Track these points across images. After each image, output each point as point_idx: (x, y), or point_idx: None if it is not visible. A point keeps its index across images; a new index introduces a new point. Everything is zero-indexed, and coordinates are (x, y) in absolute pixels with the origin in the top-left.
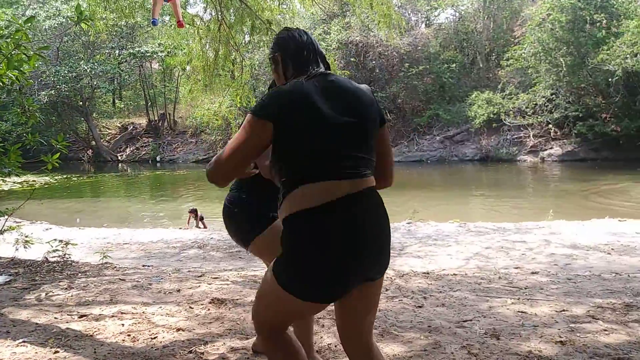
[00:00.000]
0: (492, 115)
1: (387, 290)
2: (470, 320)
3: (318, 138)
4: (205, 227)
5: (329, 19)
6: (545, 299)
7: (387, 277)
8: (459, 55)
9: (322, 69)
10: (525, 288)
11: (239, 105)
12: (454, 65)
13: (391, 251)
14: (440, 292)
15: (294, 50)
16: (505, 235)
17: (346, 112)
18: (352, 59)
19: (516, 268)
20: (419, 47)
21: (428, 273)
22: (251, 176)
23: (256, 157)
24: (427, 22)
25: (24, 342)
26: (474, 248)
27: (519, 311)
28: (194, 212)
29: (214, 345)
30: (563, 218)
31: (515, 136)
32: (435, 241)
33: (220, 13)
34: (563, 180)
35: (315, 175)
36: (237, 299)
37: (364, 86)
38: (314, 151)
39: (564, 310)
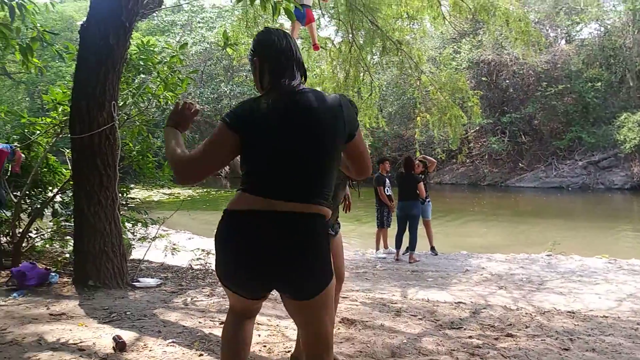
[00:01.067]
0: None
1: (527, 327)
2: None
3: (263, 160)
4: None
5: (460, 37)
6: None
7: (527, 314)
8: (605, 73)
9: (296, 81)
10: None
11: (367, 126)
12: (599, 84)
13: (528, 285)
14: (589, 335)
15: (271, 58)
16: None
17: (298, 140)
18: (483, 79)
19: None
20: (559, 65)
21: (573, 312)
22: None
23: (221, 161)
24: (568, 37)
25: (173, 342)
26: (627, 288)
27: None
28: None
29: None
30: None
31: None
32: (581, 277)
33: (351, 35)
34: None
35: (252, 189)
36: (366, 321)
37: (332, 99)
38: (256, 171)
39: None
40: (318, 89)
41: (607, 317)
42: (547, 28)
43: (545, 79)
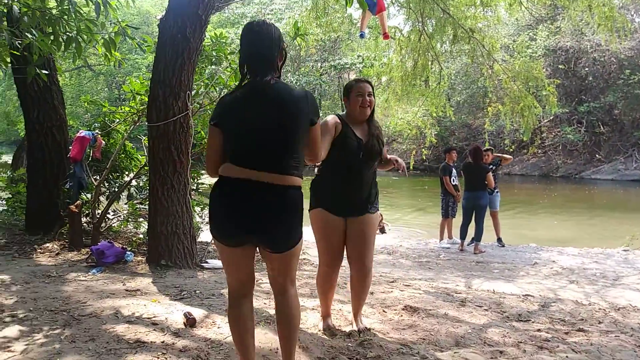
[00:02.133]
0: None
1: (600, 322)
2: None
3: (239, 140)
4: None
5: (536, 23)
6: None
7: (600, 309)
8: None
9: (268, 77)
10: None
11: (434, 115)
12: None
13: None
14: None
15: (245, 53)
16: None
17: (268, 120)
18: (560, 66)
19: None
20: None
21: None
22: None
23: (219, 153)
24: None
25: None
26: None
27: None
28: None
29: (407, 352)
30: None
31: None
32: None
33: (421, 23)
34: None
35: (237, 162)
36: (429, 309)
37: (299, 91)
38: (234, 150)
39: None
40: (384, 78)
41: None
42: (633, 13)
43: (628, 66)
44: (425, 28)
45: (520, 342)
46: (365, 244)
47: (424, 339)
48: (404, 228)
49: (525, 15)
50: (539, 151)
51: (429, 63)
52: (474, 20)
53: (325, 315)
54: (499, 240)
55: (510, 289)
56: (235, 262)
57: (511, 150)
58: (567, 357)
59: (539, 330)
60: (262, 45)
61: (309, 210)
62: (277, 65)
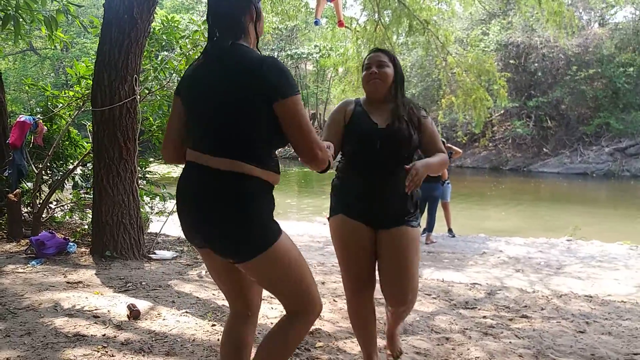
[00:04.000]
0: None
1: (542, 309)
2: None
3: (190, 116)
4: None
5: (489, 18)
6: None
7: (543, 296)
8: (637, 58)
9: (225, 42)
10: None
11: None
12: (631, 69)
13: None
14: (606, 319)
15: (208, 12)
16: None
17: (212, 92)
18: (511, 61)
19: None
20: (590, 49)
21: (591, 297)
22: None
23: (180, 129)
24: (601, 21)
25: (186, 312)
26: None
27: None
28: None
29: (356, 341)
30: None
31: None
32: (600, 263)
33: (377, 14)
34: None
35: (191, 144)
36: (380, 298)
37: (253, 60)
38: (189, 128)
39: None
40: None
41: (625, 302)
42: (581, 10)
43: (575, 62)
44: (382, 19)
45: (466, 329)
46: (399, 267)
47: None
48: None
49: (478, 10)
50: (490, 144)
51: None
52: (429, 13)
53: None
54: (450, 230)
55: (459, 277)
56: (211, 267)
57: (464, 142)
58: (510, 342)
59: (484, 317)
60: (218, 3)
61: (328, 218)
62: (244, 26)
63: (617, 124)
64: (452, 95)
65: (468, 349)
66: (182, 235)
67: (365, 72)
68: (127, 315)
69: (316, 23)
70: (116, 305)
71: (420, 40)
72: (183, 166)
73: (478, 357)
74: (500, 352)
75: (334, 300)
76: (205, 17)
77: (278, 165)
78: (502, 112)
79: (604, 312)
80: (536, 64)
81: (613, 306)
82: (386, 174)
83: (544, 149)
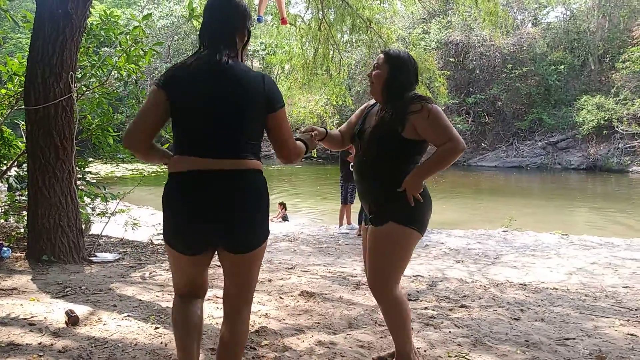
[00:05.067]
0: (602, 122)
1: (480, 298)
2: (573, 338)
3: (193, 121)
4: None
5: (429, 17)
6: None
7: (481, 286)
8: (568, 56)
9: (225, 53)
10: (637, 309)
11: (334, 104)
12: (562, 67)
13: (484, 259)
14: (539, 305)
15: (204, 22)
16: (613, 252)
17: (223, 104)
18: (451, 59)
19: (625, 287)
20: (524, 48)
21: (525, 285)
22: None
23: (155, 122)
24: (535, 21)
25: (128, 316)
26: (577, 262)
27: (628, 334)
28: (283, 205)
29: (302, 337)
30: None
31: (629, 145)
32: (534, 252)
33: (321, 12)
34: None
35: (188, 151)
36: (325, 294)
37: (255, 74)
38: (188, 134)
39: None
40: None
41: (557, 289)
42: (515, 10)
43: (510, 61)
44: (326, 17)
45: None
46: (371, 258)
47: (318, 322)
48: (306, 215)
49: (419, 9)
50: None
51: (330, 52)
52: (371, 11)
53: None
54: None
55: None
56: (187, 271)
57: None
58: (450, 332)
59: (426, 308)
60: (221, 15)
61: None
62: (234, 42)
63: (549, 119)
64: None
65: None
66: (126, 237)
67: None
68: (65, 321)
69: (259, 20)
70: (53, 311)
71: (363, 38)
72: (173, 177)
73: (419, 348)
74: (440, 342)
75: (280, 298)
76: (144, 13)
77: None
78: (442, 108)
79: (537, 300)
80: (474, 62)
81: (546, 293)
82: (363, 172)
83: (482, 144)
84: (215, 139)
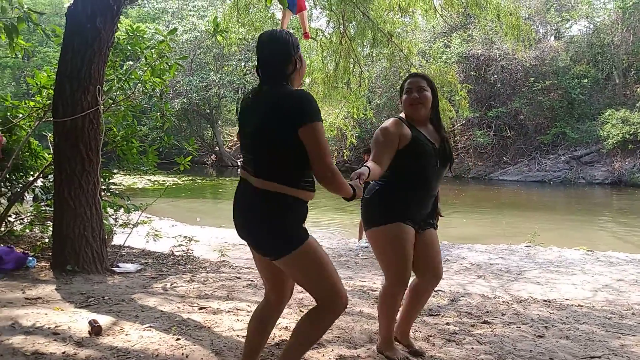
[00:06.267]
0: (627, 136)
1: (503, 315)
2: (599, 357)
3: (241, 138)
4: None
5: (450, 31)
6: None
7: (504, 302)
8: (592, 70)
9: (269, 83)
10: None
11: (355, 117)
12: (585, 80)
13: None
14: (564, 323)
15: (258, 60)
16: None
17: (253, 124)
18: (472, 73)
19: None
20: (547, 61)
21: (549, 301)
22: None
23: None
24: (557, 34)
25: (150, 326)
26: (603, 279)
27: None
28: None
29: (322, 351)
30: None
31: None
32: (558, 268)
33: (342, 26)
34: None
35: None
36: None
37: (283, 94)
38: (239, 147)
39: None
40: (307, 79)
41: (582, 306)
42: (537, 24)
43: (532, 74)
44: (347, 31)
45: (430, 336)
46: (438, 255)
47: (338, 337)
48: (325, 228)
49: (440, 23)
50: (453, 153)
51: (350, 66)
52: (392, 25)
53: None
54: None
55: None
56: (256, 258)
57: None
58: (472, 348)
59: (447, 323)
60: (266, 53)
61: (377, 226)
62: (286, 74)
63: (572, 133)
64: None
65: (432, 356)
66: (147, 247)
67: (407, 95)
68: (89, 331)
69: None
70: (77, 321)
71: (384, 52)
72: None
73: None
74: (462, 358)
75: (301, 311)
76: (170, 28)
77: (312, 183)
78: (464, 122)
79: (562, 317)
80: (495, 76)
81: (570, 310)
82: (433, 187)
83: (504, 158)
84: (249, 158)
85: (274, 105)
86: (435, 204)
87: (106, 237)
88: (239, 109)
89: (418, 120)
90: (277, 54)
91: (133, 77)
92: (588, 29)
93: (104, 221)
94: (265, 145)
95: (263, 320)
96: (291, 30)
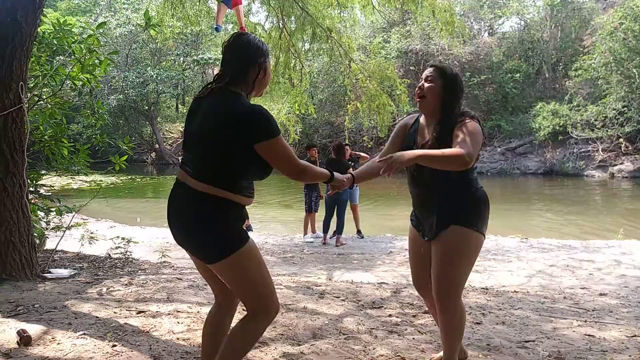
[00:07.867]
0: (557, 128)
1: None
2: (533, 341)
3: (185, 135)
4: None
5: (389, 27)
6: (614, 323)
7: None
8: (523, 64)
9: (217, 83)
10: (593, 310)
11: (297, 112)
12: (517, 75)
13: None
14: (500, 309)
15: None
16: (571, 254)
17: (200, 126)
18: (411, 68)
19: (583, 289)
20: (481, 56)
21: (487, 289)
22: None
23: None
24: (491, 30)
25: (84, 334)
26: (537, 265)
27: (585, 334)
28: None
29: (265, 349)
30: (635, 238)
31: (583, 150)
32: (495, 256)
33: (281, 21)
34: (635, 198)
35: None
36: (289, 304)
37: (234, 109)
38: (182, 144)
39: (635, 336)
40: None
41: (517, 292)
42: (472, 20)
43: (468, 69)
44: (286, 26)
45: (373, 329)
46: (437, 272)
47: (282, 334)
48: (271, 224)
49: (379, 19)
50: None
51: (291, 61)
52: (331, 20)
53: None
54: (359, 232)
55: (367, 278)
56: (197, 264)
57: (369, 146)
58: (413, 338)
59: (390, 315)
60: (229, 52)
61: None
62: (245, 78)
63: (507, 125)
64: (357, 101)
65: (374, 348)
66: (82, 251)
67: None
68: (17, 341)
69: (217, 29)
70: (4, 331)
71: (324, 47)
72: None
73: (382, 355)
74: (404, 349)
75: (243, 310)
76: (99, 21)
77: (252, 189)
78: (404, 116)
79: (499, 303)
80: None
81: (506, 297)
82: (423, 187)
83: None
84: (188, 158)
85: (227, 116)
86: (443, 208)
87: (37, 241)
88: (189, 105)
89: (427, 113)
90: (241, 56)
91: (60, 73)
92: (519, 26)
93: (35, 225)
94: (210, 149)
95: (216, 324)
96: (230, 25)
